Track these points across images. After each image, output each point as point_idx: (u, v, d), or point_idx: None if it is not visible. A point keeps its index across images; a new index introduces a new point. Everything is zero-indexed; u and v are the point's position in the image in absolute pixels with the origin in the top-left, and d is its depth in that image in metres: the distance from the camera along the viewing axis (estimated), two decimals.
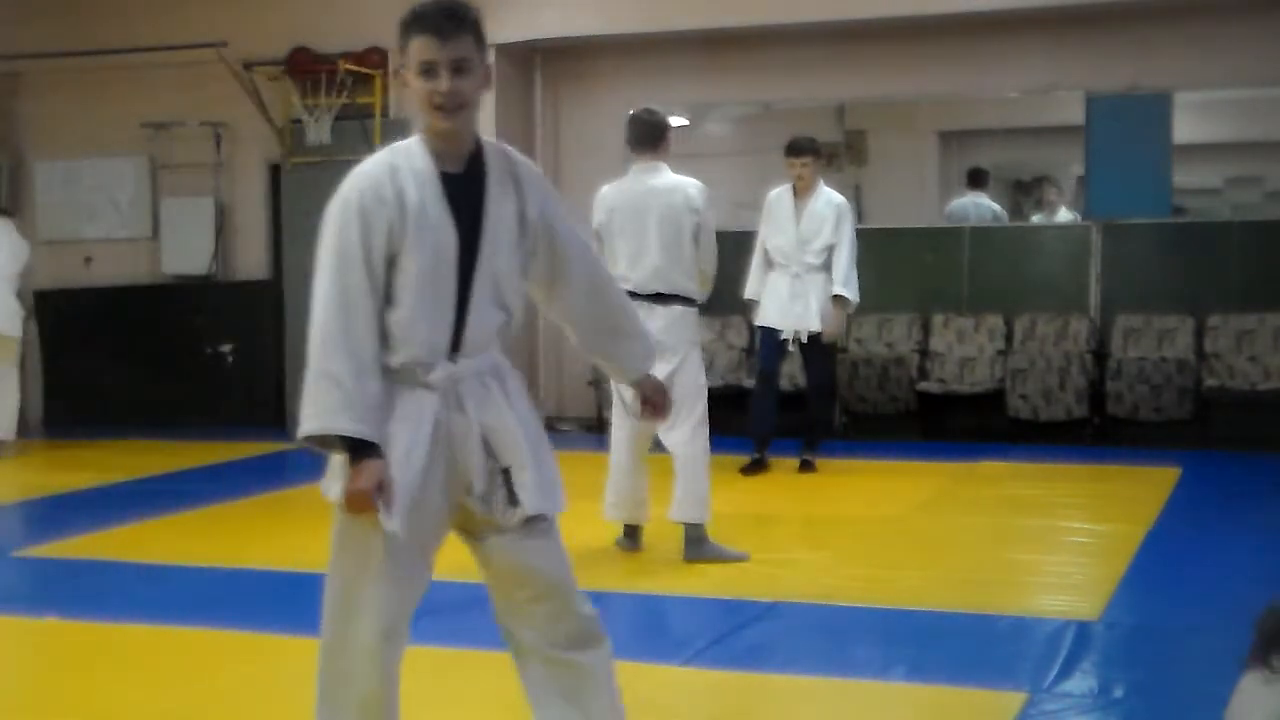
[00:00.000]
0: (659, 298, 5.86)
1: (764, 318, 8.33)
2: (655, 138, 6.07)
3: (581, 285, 3.09)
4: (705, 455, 5.99)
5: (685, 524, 5.98)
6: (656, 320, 5.67)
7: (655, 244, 5.89)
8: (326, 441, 2.81)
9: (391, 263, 2.81)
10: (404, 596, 2.98)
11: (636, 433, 5.99)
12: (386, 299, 2.82)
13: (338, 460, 2.86)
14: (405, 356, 2.84)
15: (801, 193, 8.29)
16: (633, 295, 5.35)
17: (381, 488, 2.76)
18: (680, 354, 5.88)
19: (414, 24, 2.83)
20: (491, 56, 11.56)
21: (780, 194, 8.37)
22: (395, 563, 2.89)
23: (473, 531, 3.01)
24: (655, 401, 3.27)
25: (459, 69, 2.81)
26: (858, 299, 8.42)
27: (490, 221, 2.89)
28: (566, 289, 3.08)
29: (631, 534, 6.19)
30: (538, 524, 2.97)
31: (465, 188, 2.89)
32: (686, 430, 5.92)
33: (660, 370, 5.53)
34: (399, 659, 3.07)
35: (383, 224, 2.79)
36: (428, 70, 2.81)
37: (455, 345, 2.88)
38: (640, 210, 5.93)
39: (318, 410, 2.77)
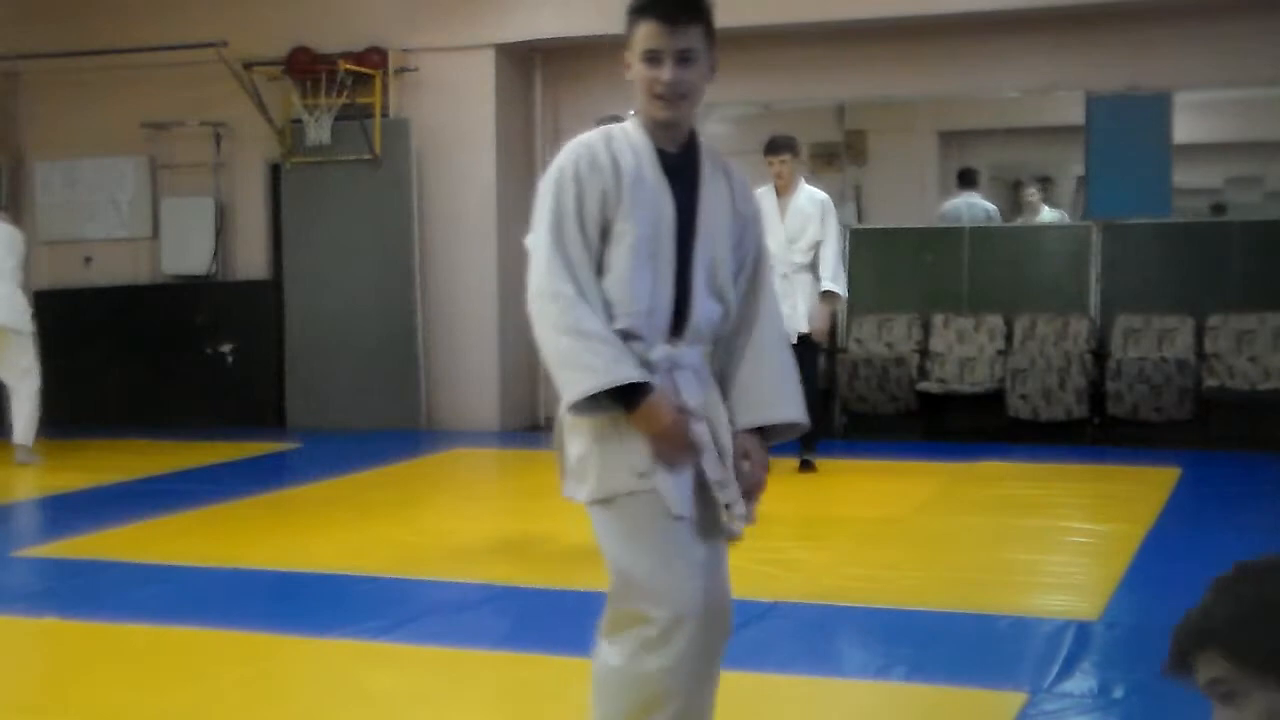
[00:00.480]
0: None
1: None
2: None
3: (766, 320, 2.93)
4: None
5: None
6: None
7: None
8: (596, 404, 2.71)
9: (606, 230, 2.74)
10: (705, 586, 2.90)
11: None
12: (603, 267, 2.75)
13: (576, 457, 2.80)
14: (623, 324, 2.74)
15: (783, 191, 8.24)
16: None
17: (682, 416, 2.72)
18: None
19: (644, 8, 2.75)
20: (490, 56, 11.45)
21: (762, 194, 8.18)
22: (691, 545, 2.82)
23: None
24: (746, 470, 2.91)
25: (684, 59, 2.75)
26: (846, 294, 8.45)
27: (706, 203, 2.83)
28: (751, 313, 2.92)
29: None
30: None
31: (681, 166, 2.83)
32: None
33: None
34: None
35: (597, 190, 2.74)
36: (652, 58, 2.75)
37: (676, 328, 2.79)
38: None
39: (594, 367, 2.67)
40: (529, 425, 10.93)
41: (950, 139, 11.21)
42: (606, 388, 2.68)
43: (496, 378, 10.69)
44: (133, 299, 11.40)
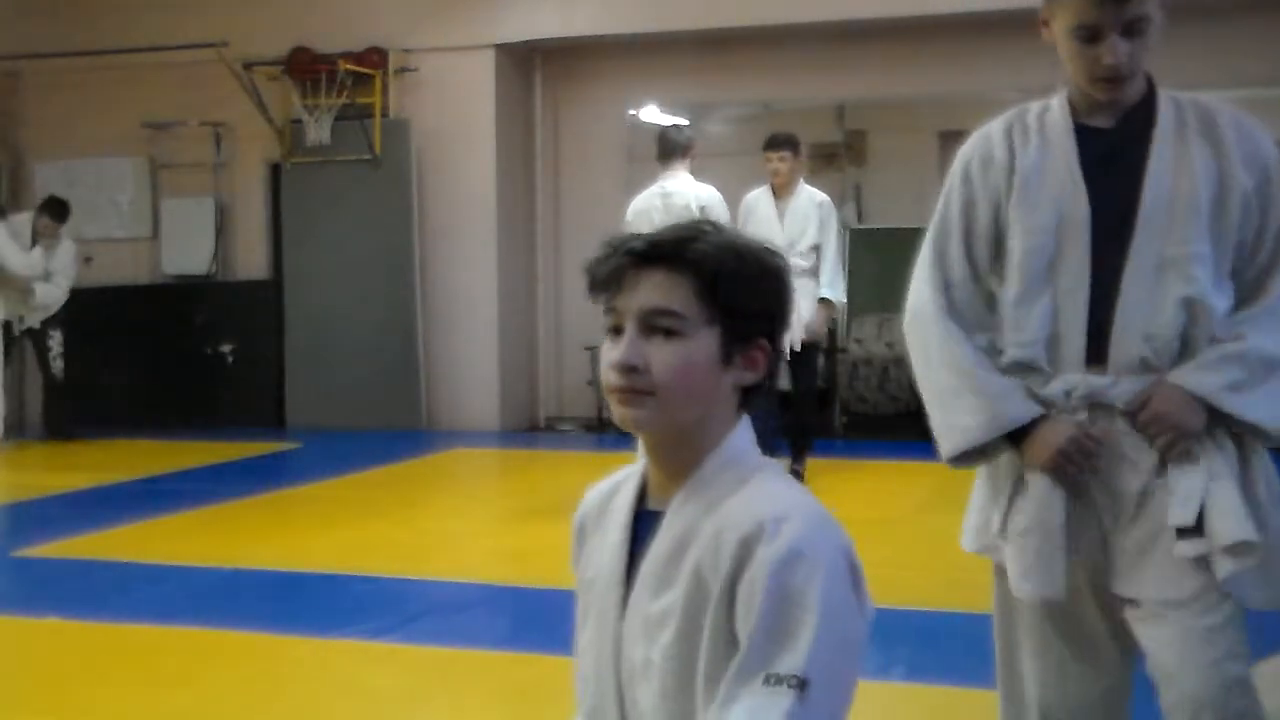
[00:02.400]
0: None
1: None
2: (682, 150, 6.94)
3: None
4: None
5: None
6: None
7: None
8: (986, 451, 2.39)
9: (1000, 241, 2.40)
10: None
11: None
12: (1001, 279, 2.38)
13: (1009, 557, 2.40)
14: (1012, 355, 2.37)
15: (781, 191, 7.79)
16: None
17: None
18: None
19: None
20: (490, 56, 11.45)
21: (758, 195, 7.86)
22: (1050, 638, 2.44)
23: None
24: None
25: (1133, 30, 2.28)
26: (844, 300, 8.19)
27: (1160, 181, 2.31)
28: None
29: None
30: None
31: (1119, 145, 2.35)
32: None
33: None
34: None
35: (990, 193, 2.40)
36: (1089, 35, 2.29)
37: (1097, 353, 2.32)
38: (665, 213, 6.59)
39: (975, 412, 2.36)
40: (529, 425, 10.93)
41: (950, 139, 11.13)
42: (980, 443, 2.40)
43: (496, 378, 10.69)
44: (133, 299, 11.40)
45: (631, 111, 10.98)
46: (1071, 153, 2.31)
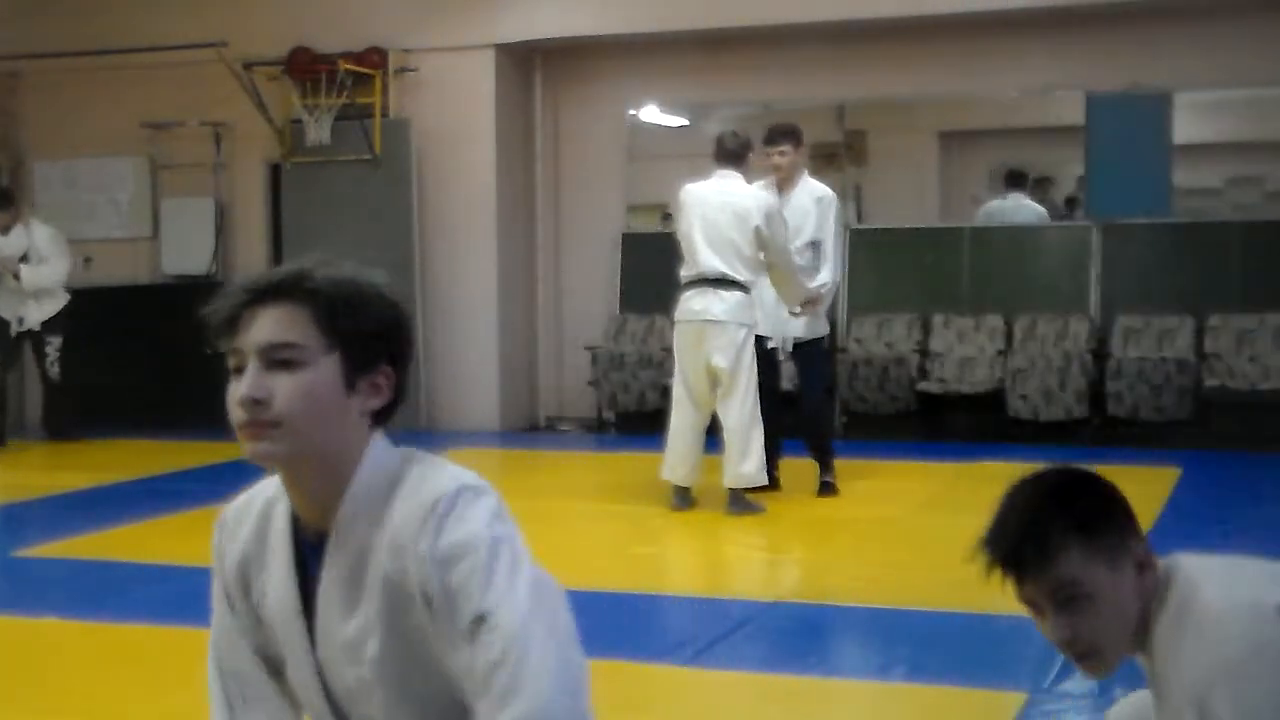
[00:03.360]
0: (724, 283, 6.87)
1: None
2: (736, 156, 7.10)
3: None
4: (759, 425, 6.94)
5: (737, 487, 6.96)
6: (724, 301, 6.86)
7: (726, 240, 6.90)
8: None
9: None
10: None
11: (698, 413, 7.05)
12: None
13: None
14: None
15: (782, 186, 7.46)
16: (703, 280, 6.89)
17: None
18: (744, 331, 6.92)
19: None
20: (490, 56, 11.52)
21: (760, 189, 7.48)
22: None
23: None
24: None
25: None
26: (836, 279, 7.70)
27: None
28: None
29: (683, 495, 7.09)
30: None
31: None
32: (747, 403, 6.94)
33: (727, 347, 6.84)
34: None
35: None
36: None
37: None
38: (716, 209, 6.93)
39: None
40: (529, 425, 10.93)
41: (950, 139, 11.22)
42: None
43: (496, 378, 10.69)
44: (133, 299, 11.39)
45: (631, 111, 10.98)
46: None
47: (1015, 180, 10.55)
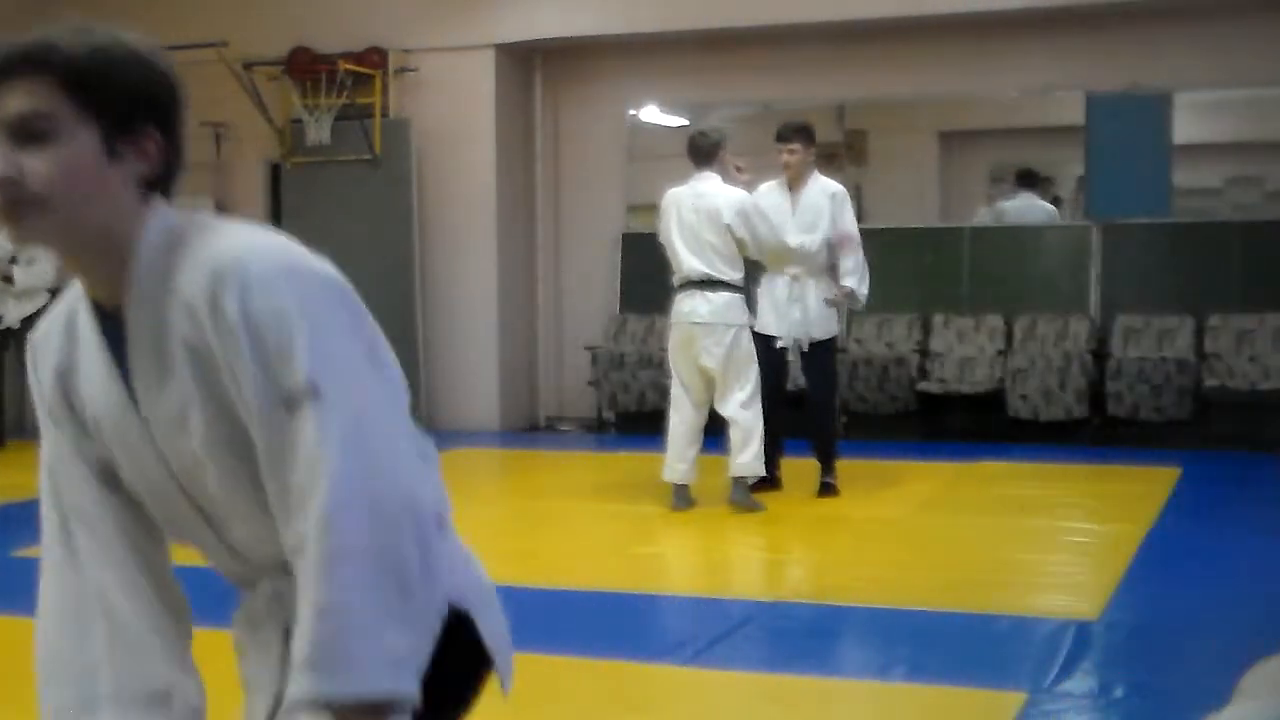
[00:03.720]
0: (710, 284, 6.97)
1: (760, 324, 7.36)
2: (707, 155, 7.16)
3: None
4: (758, 419, 7.00)
5: (740, 477, 7.07)
6: (710, 303, 6.95)
7: (704, 242, 7.00)
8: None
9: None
10: None
11: (696, 412, 7.14)
12: None
13: None
14: None
15: (793, 184, 7.49)
16: (690, 283, 6.99)
17: None
18: (732, 331, 6.98)
19: None
20: (490, 56, 11.51)
21: (769, 189, 7.53)
22: None
23: None
24: None
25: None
26: (864, 293, 7.65)
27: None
28: None
29: (683, 495, 7.13)
30: None
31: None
32: (742, 397, 7.00)
33: (714, 348, 6.93)
34: None
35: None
36: None
37: None
38: (690, 211, 7.05)
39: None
40: (529, 425, 10.93)
41: (950, 139, 11.21)
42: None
43: (496, 378, 10.70)
44: None
45: (631, 111, 10.98)
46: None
47: (1027, 180, 10.55)
